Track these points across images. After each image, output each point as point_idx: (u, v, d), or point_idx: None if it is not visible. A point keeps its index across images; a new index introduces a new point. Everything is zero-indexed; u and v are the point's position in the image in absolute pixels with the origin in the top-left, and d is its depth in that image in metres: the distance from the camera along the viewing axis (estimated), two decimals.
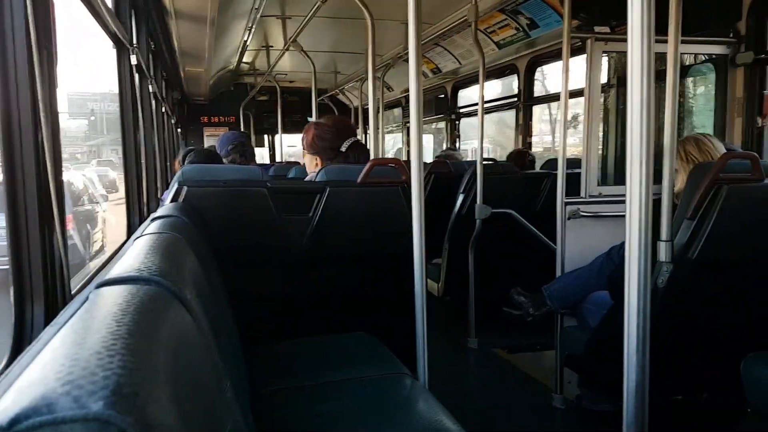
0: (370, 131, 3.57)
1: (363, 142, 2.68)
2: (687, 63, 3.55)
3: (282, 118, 7.25)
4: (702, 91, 3.64)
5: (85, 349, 0.55)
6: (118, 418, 0.45)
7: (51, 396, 0.45)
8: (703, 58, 3.46)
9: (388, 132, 9.44)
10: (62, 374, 0.48)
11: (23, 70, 1.20)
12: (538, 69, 5.43)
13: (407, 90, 6.67)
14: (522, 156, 4.80)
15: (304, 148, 2.70)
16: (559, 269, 2.77)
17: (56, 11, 1.34)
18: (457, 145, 7.13)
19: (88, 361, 0.51)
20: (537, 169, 4.86)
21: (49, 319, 1.22)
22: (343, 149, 2.57)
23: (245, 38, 5.52)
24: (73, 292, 1.38)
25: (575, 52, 2.89)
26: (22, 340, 1.20)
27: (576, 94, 3.34)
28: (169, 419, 0.54)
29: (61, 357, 0.53)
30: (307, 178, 2.62)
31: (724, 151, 2.43)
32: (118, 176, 9.13)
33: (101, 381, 0.48)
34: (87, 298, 0.77)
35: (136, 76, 3.07)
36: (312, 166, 2.64)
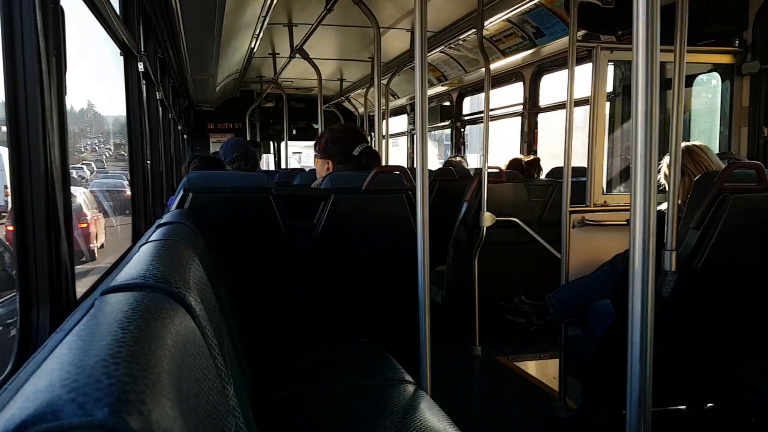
0: (375, 138, 3.58)
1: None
2: (692, 72, 3.55)
3: (288, 124, 7.27)
4: (707, 101, 3.63)
5: (91, 356, 0.55)
6: (123, 425, 0.45)
7: (57, 403, 0.45)
8: (709, 68, 3.46)
9: (393, 137, 9.44)
10: (68, 381, 0.49)
11: (32, 77, 1.20)
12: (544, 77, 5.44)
13: (413, 97, 6.69)
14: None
15: (316, 154, 2.72)
16: (563, 278, 2.77)
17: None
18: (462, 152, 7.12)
19: (94, 369, 0.52)
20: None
21: (54, 325, 1.22)
22: (355, 153, 2.60)
23: (252, 45, 5.55)
24: (78, 298, 1.39)
25: (581, 60, 2.89)
26: (27, 346, 1.20)
27: (582, 102, 3.34)
28: (174, 426, 0.54)
29: (67, 364, 0.53)
30: (314, 184, 2.63)
31: (718, 161, 2.42)
32: None
33: (106, 388, 0.48)
34: (93, 305, 0.77)
35: (144, 83, 3.08)
36: (323, 170, 2.65)
